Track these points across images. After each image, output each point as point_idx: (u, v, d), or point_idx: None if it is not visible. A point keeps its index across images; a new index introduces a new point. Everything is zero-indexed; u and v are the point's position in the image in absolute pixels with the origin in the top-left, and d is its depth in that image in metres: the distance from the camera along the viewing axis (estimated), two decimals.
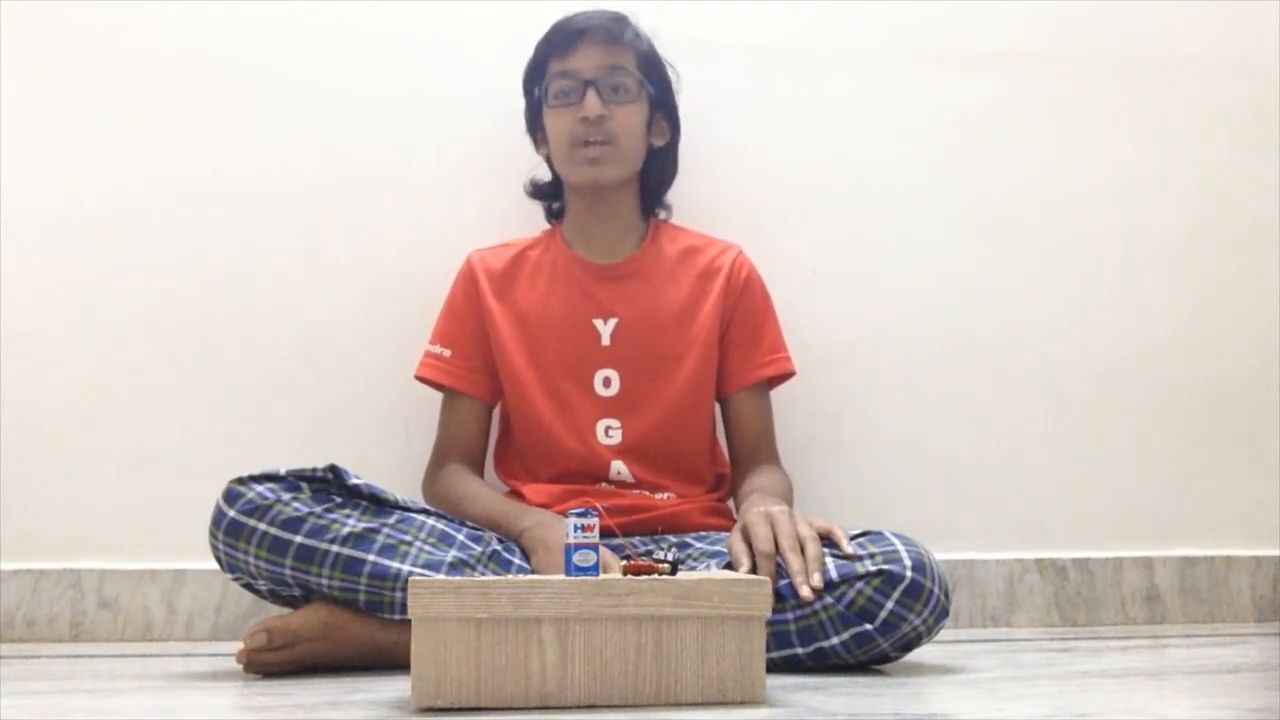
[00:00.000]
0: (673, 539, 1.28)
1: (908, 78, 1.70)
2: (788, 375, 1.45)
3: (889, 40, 1.70)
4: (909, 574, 1.09)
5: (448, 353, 1.42)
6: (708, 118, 1.58)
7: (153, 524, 1.52)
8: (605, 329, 1.40)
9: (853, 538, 1.15)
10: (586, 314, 1.41)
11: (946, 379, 1.67)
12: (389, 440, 1.54)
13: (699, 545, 1.29)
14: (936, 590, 1.10)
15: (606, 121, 1.36)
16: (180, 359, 1.57)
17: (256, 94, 1.61)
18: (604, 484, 1.37)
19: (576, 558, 0.94)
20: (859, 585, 1.10)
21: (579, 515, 0.95)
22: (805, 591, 1.07)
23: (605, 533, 0.98)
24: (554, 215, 1.50)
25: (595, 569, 0.94)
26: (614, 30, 1.39)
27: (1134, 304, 1.72)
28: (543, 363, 1.40)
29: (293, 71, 1.61)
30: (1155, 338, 1.72)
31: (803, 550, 1.11)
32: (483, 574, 1.16)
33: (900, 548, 1.11)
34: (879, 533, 1.15)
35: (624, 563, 0.96)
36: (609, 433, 1.39)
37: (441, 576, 1.12)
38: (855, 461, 1.63)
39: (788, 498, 1.33)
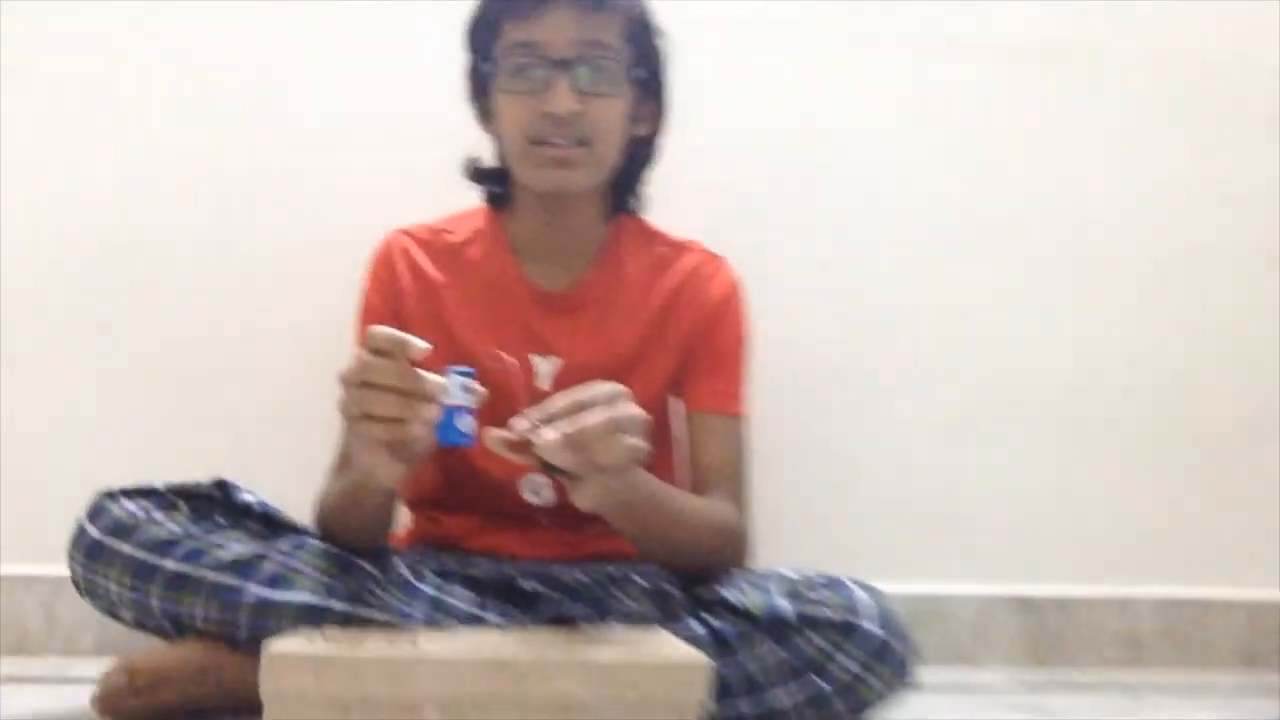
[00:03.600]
0: (610, 569, 1.15)
1: (919, 69, 1.55)
2: (731, 417, 1.19)
3: (893, 27, 1.54)
4: (876, 630, 0.96)
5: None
6: (697, 96, 1.31)
7: (34, 523, 1.36)
8: (545, 369, 1.17)
9: (809, 584, 1.01)
10: (525, 348, 1.17)
11: (922, 397, 1.54)
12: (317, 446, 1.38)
13: (641, 581, 1.13)
14: (904, 652, 0.97)
15: (580, 120, 1.09)
16: (79, 342, 1.40)
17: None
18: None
19: (458, 422, 0.85)
20: (813, 637, 0.96)
21: (462, 374, 0.86)
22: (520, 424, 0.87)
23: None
24: (495, 201, 1.25)
25: (473, 436, 0.86)
26: None
27: (1134, 326, 1.58)
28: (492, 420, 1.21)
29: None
30: (1155, 363, 1.58)
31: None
32: (383, 609, 1.01)
33: (864, 599, 0.98)
34: (839, 581, 1.01)
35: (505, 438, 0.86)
36: (538, 492, 1.17)
37: (338, 605, 0.98)
38: (812, 481, 1.50)
39: (713, 533, 1.07)
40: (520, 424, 0.86)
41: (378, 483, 0.91)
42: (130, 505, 0.99)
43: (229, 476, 1.05)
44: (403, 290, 1.20)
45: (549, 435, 0.83)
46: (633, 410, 0.87)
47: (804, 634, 0.96)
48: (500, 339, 1.18)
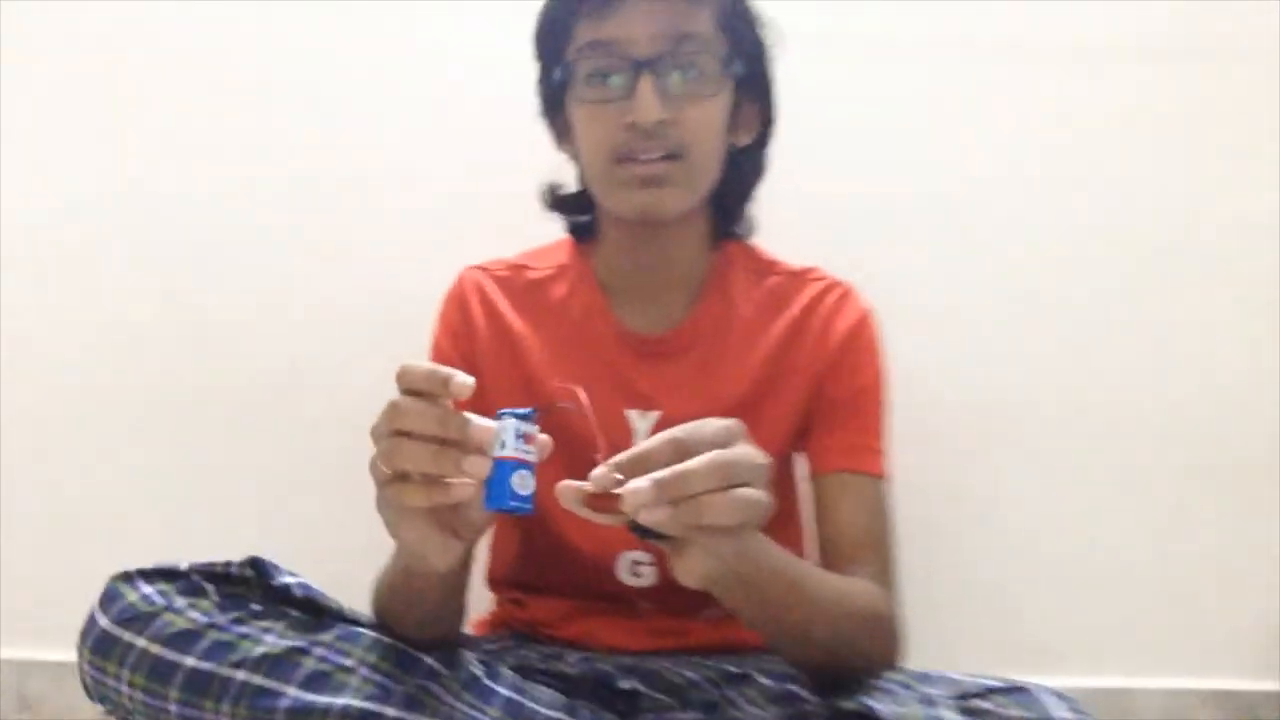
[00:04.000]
0: (728, 666, 0.93)
1: (1029, 77, 1.35)
2: (871, 477, 0.98)
3: (1002, 34, 1.36)
4: None
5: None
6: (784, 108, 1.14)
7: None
8: (643, 425, 1.00)
9: (985, 692, 0.78)
10: (619, 402, 1.00)
11: (1085, 446, 1.31)
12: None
13: (765, 681, 0.91)
14: None
15: (670, 129, 0.93)
16: (124, 408, 1.28)
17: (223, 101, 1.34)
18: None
19: (515, 481, 0.65)
20: None
21: (520, 419, 0.66)
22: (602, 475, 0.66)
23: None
24: (580, 232, 1.09)
25: (530, 501, 0.66)
26: None
27: None
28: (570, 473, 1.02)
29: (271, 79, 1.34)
30: None
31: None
32: (448, 716, 0.82)
33: (1062, 714, 0.74)
34: (1023, 689, 0.78)
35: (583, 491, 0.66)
36: (636, 570, 0.99)
37: (393, 712, 0.79)
38: (965, 554, 1.27)
39: (855, 620, 0.84)
40: (602, 473, 0.66)
41: (429, 566, 0.72)
42: (148, 589, 0.83)
43: (266, 554, 0.88)
44: (477, 334, 1.04)
45: (640, 486, 0.63)
46: (751, 453, 0.66)
47: None
48: (589, 389, 0.99)
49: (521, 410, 0.66)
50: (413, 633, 0.85)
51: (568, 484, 0.66)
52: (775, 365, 1.01)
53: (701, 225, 1.03)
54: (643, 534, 0.67)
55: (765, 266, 1.06)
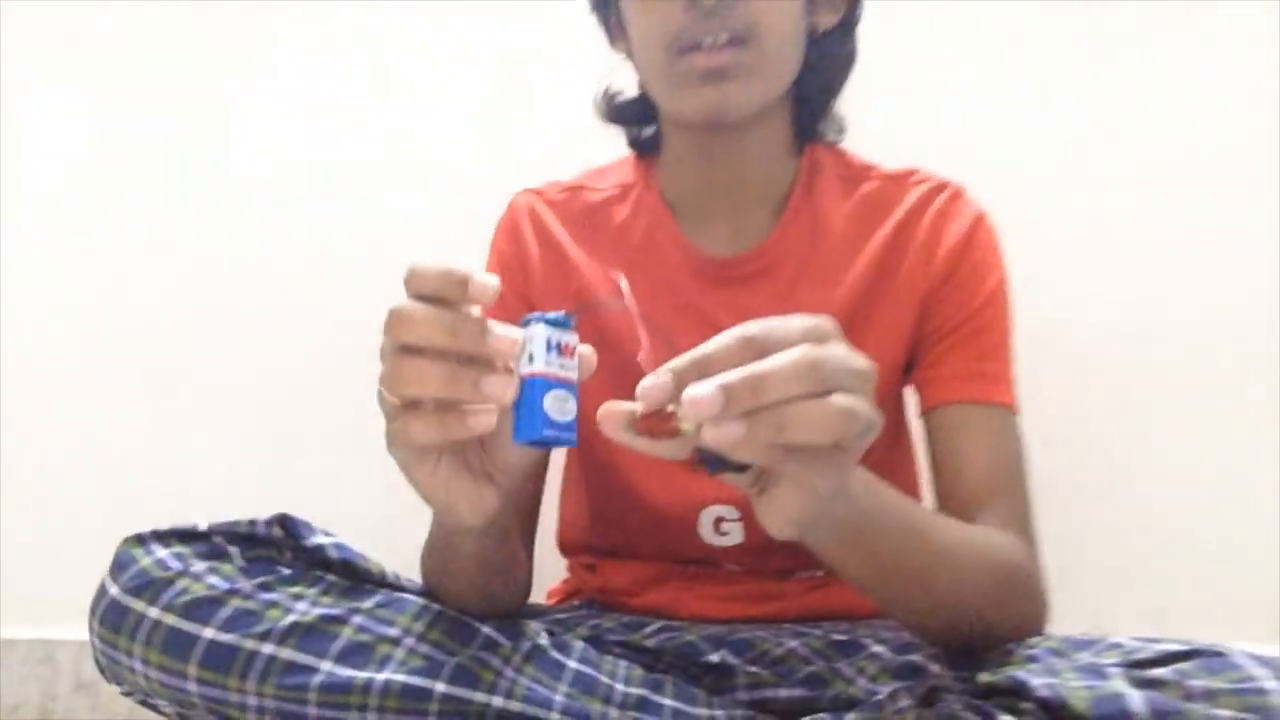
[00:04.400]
0: (836, 634, 0.80)
1: None
2: (999, 408, 0.82)
3: None
4: None
5: None
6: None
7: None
8: None
9: (1163, 659, 0.62)
10: (692, 335, 0.84)
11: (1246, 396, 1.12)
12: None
13: (878, 649, 0.77)
14: None
15: (736, 5, 0.79)
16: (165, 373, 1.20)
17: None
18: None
19: (549, 404, 0.52)
20: None
21: (552, 325, 0.53)
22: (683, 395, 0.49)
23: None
24: (644, 147, 0.95)
25: (572, 429, 0.53)
26: None
27: None
28: (621, 394, 0.87)
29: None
30: None
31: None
32: (508, 692, 0.70)
33: (1274, 683, 0.59)
34: (1216, 653, 0.61)
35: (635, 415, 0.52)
36: (720, 527, 0.86)
37: (442, 687, 0.68)
38: (1118, 518, 1.11)
39: (991, 575, 0.69)
40: (654, 384, 0.50)
41: (459, 519, 0.59)
42: (162, 553, 0.72)
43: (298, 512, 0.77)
44: (531, 265, 0.91)
45: (702, 392, 0.47)
46: (849, 353, 0.50)
47: None
48: (658, 319, 0.86)
49: (554, 314, 0.53)
50: (464, 600, 0.74)
51: (611, 406, 0.52)
52: (875, 283, 0.86)
53: (780, 128, 0.89)
54: (713, 466, 0.52)
55: (859, 172, 0.90)
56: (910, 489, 0.90)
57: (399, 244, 1.24)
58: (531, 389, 0.52)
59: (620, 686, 0.73)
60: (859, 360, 0.50)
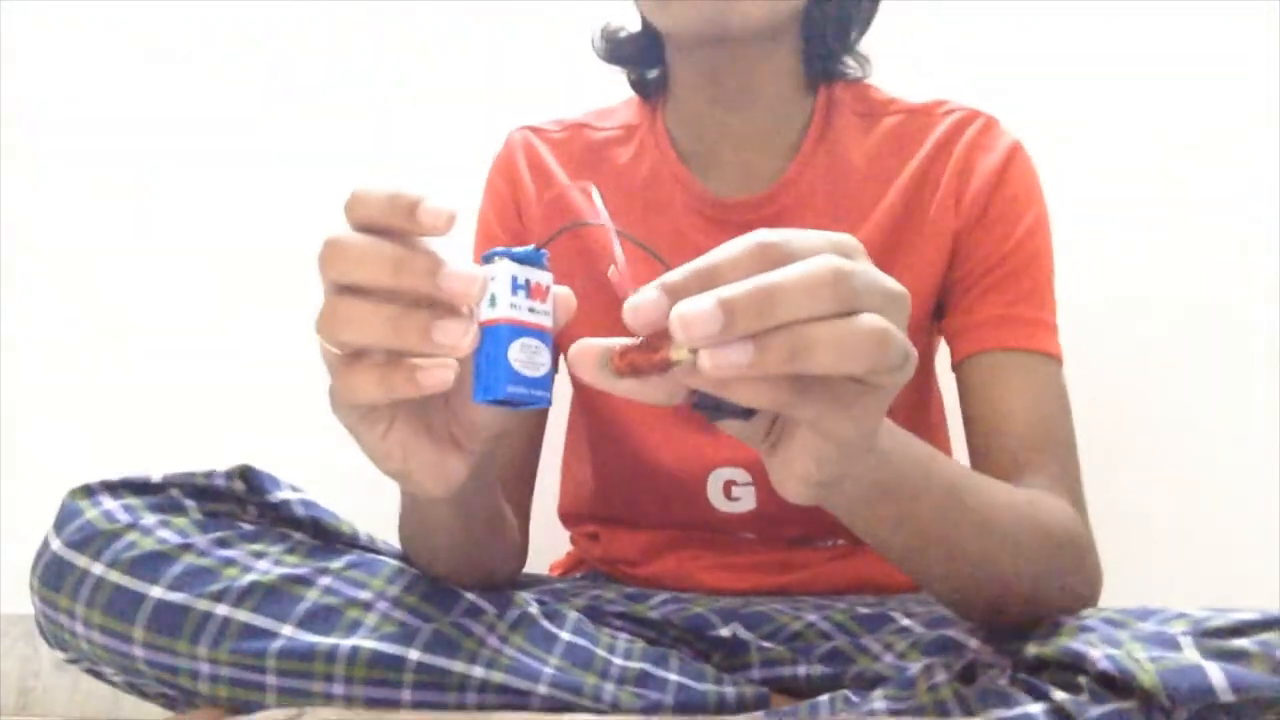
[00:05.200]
0: (861, 607, 0.71)
1: None
2: (1042, 356, 0.74)
3: None
4: None
5: None
6: None
7: None
8: None
9: (1240, 628, 0.54)
10: None
11: None
12: None
13: (908, 623, 0.68)
14: None
15: None
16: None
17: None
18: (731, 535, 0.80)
19: (514, 355, 0.43)
20: None
21: (518, 261, 0.43)
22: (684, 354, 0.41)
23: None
24: (648, 89, 0.87)
25: (545, 386, 0.44)
26: None
27: None
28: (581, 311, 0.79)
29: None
30: None
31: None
32: (491, 662, 0.62)
33: None
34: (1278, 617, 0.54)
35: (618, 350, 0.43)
36: (731, 492, 0.79)
37: (416, 654, 0.60)
38: (1169, 489, 1.02)
39: (1038, 540, 0.61)
40: (643, 301, 0.40)
41: (421, 491, 0.50)
42: (110, 504, 0.65)
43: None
44: (527, 206, 0.84)
45: (696, 308, 0.38)
46: (881, 274, 0.41)
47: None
48: (662, 272, 0.79)
49: (521, 249, 0.44)
50: (446, 574, 0.66)
51: (584, 344, 0.43)
52: (902, 223, 0.78)
53: (791, 62, 0.81)
54: (713, 412, 0.43)
55: (880, 107, 0.82)
56: (941, 446, 0.82)
57: None
58: (494, 338, 0.43)
59: (619, 660, 0.65)
60: (892, 282, 0.41)
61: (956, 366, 0.76)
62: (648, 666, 0.65)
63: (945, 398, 0.85)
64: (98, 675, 0.67)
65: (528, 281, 0.43)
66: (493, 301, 0.43)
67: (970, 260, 0.76)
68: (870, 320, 0.39)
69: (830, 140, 0.81)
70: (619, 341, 0.43)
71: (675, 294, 0.40)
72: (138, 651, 0.62)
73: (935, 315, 0.79)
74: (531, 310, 0.43)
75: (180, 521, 0.64)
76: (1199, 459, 1.06)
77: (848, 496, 0.51)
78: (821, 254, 0.40)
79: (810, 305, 0.39)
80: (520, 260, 0.43)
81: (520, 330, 0.43)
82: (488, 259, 0.44)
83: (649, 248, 0.47)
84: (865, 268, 0.41)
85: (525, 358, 0.43)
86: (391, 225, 0.42)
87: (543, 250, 0.44)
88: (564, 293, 0.46)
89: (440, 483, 0.49)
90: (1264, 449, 1.04)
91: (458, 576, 0.66)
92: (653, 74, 0.86)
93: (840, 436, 0.43)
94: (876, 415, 0.44)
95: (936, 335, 0.82)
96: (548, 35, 1.16)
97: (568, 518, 0.90)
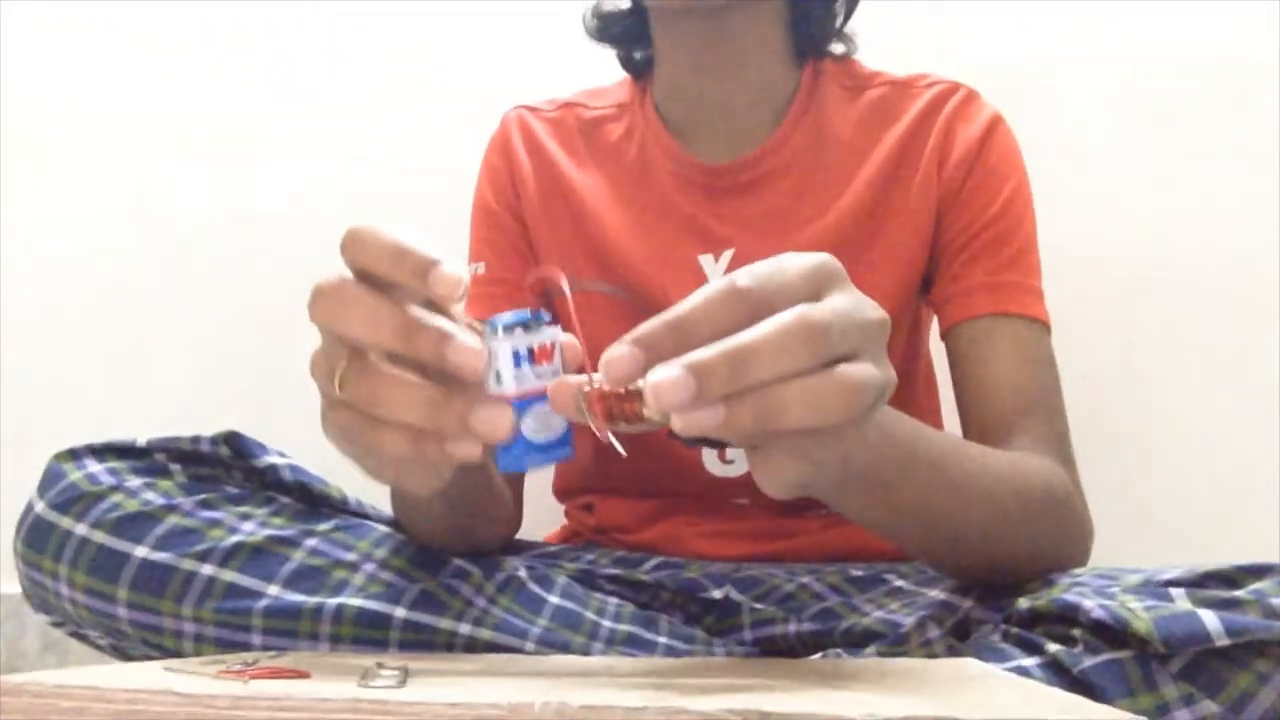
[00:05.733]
0: (855, 570, 0.71)
1: None
2: (1029, 321, 0.74)
3: None
4: None
5: (481, 268, 0.85)
6: None
7: None
8: (716, 270, 0.79)
9: (1237, 574, 0.53)
10: (691, 248, 0.79)
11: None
12: None
13: (901, 583, 0.68)
14: None
15: None
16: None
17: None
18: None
19: (529, 427, 0.42)
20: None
21: (523, 324, 0.42)
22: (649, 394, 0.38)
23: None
24: (637, 68, 0.87)
25: (565, 443, 0.44)
26: None
27: None
28: (602, 311, 0.80)
29: None
30: None
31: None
32: (479, 621, 0.61)
33: None
34: (1271, 564, 0.53)
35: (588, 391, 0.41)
36: (725, 454, 0.77)
37: (403, 612, 0.60)
38: (1163, 453, 1.01)
39: (1027, 505, 0.61)
40: (618, 357, 0.39)
41: (410, 492, 0.50)
42: (95, 467, 0.65)
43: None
44: (524, 183, 0.85)
45: (667, 377, 0.38)
46: (853, 306, 0.41)
47: (1253, 669, 0.49)
48: (653, 233, 0.80)
49: (518, 315, 0.42)
50: (439, 543, 0.66)
51: (562, 384, 0.41)
52: (885, 191, 0.78)
53: (777, 30, 0.81)
54: (689, 440, 0.42)
55: (864, 80, 0.83)
56: (928, 417, 0.82)
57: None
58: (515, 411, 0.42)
59: (608, 623, 0.64)
60: (867, 311, 0.41)
61: (945, 335, 0.77)
62: (637, 629, 0.64)
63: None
64: (82, 639, 0.67)
65: (530, 350, 0.42)
66: (498, 379, 0.42)
67: (953, 229, 0.77)
68: (844, 375, 0.39)
69: (815, 111, 0.81)
70: (585, 382, 0.41)
71: (647, 347, 0.39)
72: (121, 612, 0.61)
73: (923, 288, 0.79)
74: (538, 376, 0.42)
75: (165, 484, 0.64)
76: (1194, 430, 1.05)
77: (831, 485, 0.50)
78: (797, 303, 0.39)
79: (783, 365, 0.38)
80: (521, 331, 0.42)
81: (529, 402, 0.42)
82: (490, 327, 0.42)
83: (627, 294, 0.46)
84: (841, 303, 0.41)
85: (539, 425, 0.42)
86: (396, 281, 0.41)
87: (540, 312, 0.43)
88: (567, 341, 0.44)
89: (427, 486, 0.48)
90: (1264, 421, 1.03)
91: (452, 545, 0.66)
92: (641, 53, 0.86)
93: (817, 459, 0.43)
94: (853, 441, 0.43)
95: (926, 308, 0.81)
96: (540, 19, 1.16)
97: (563, 493, 0.89)
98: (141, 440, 0.66)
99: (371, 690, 0.35)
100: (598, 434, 0.41)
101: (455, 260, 0.41)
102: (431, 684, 0.38)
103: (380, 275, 0.41)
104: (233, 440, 0.67)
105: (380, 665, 0.42)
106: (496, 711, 0.31)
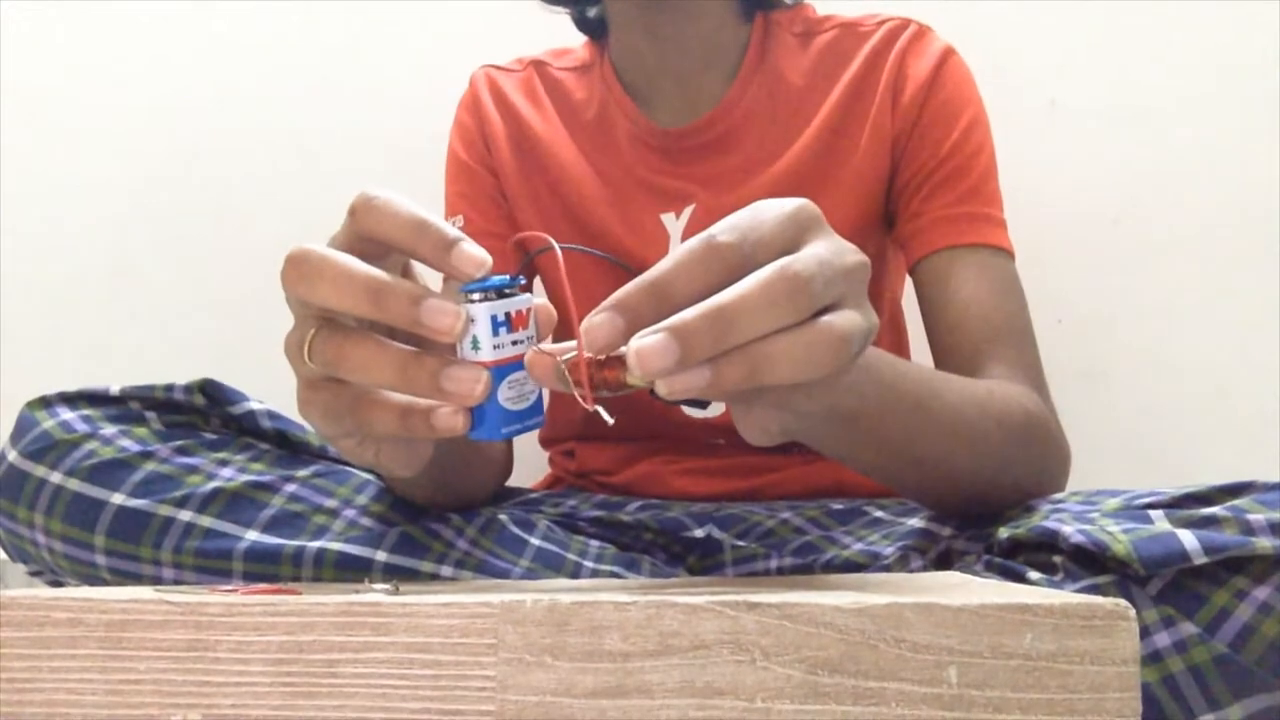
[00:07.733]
0: (835, 505, 0.71)
1: None
2: (994, 250, 0.75)
3: None
4: None
5: (460, 221, 0.85)
6: None
7: None
8: (677, 228, 0.80)
9: (1215, 494, 0.54)
10: (652, 208, 0.80)
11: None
12: None
13: (880, 514, 0.69)
14: None
15: None
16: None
17: None
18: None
19: (504, 394, 0.41)
20: (1254, 591, 0.49)
21: (495, 299, 0.41)
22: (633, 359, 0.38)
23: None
24: (592, 28, 0.86)
25: (539, 410, 0.43)
26: None
27: None
28: (587, 271, 0.79)
29: None
30: None
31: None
32: (461, 563, 0.61)
33: None
34: (1275, 485, 0.53)
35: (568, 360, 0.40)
36: (700, 402, 0.76)
37: (384, 555, 0.60)
38: (1133, 394, 1.03)
39: (1006, 431, 0.60)
40: (597, 323, 0.38)
41: (389, 473, 0.50)
42: (68, 415, 0.64)
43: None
44: (495, 139, 0.85)
45: (649, 344, 0.37)
46: (834, 251, 0.40)
47: (1230, 586, 0.50)
48: (616, 200, 0.80)
49: (496, 280, 0.41)
50: (427, 503, 0.65)
51: (539, 355, 0.41)
52: (839, 131, 0.78)
53: None
54: (668, 400, 0.41)
55: (815, 25, 0.82)
56: (896, 350, 0.82)
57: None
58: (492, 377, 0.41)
59: (589, 564, 0.65)
60: (848, 256, 0.41)
61: (911, 270, 0.77)
62: (619, 569, 0.65)
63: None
64: (61, 587, 0.66)
65: (507, 315, 0.41)
66: (475, 344, 0.41)
67: (911, 165, 0.77)
68: (829, 326, 0.39)
69: (769, 63, 0.81)
70: (563, 350, 0.41)
71: (626, 312, 0.38)
72: (99, 559, 0.61)
73: (887, 227, 0.79)
74: (514, 343, 0.41)
75: (140, 431, 0.63)
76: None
77: (815, 430, 0.50)
78: (776, 254, 0.39)
79: (767, 321, 0.38)
80: (497, 296, 0.41)
81: (506, 369, 0.41)
82: (464, 291, 0.41)
83: (615, 259, 0.47)
84: (821, 251, 0.40)
85: (514, 394, 0.42)
86: (415, 254, 0.41)
87: (518, 277, 0.42)
88: (541, 305, 0.43)
89: (408, 468, 0.47)
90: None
91: (441, 501, 0.65)
92: (594, 12, 0.85)
93: (801, 409, 0.43)
94: (839, 389, 0.44)
95: (891, 246, 0.81)
96: None
97: (547, 441, 0.89)
98: (115, 389, 0.65)
99: (364, 596, 0.34)
100: (582, 403, 0.40)
101: (474, 244, 0.40)
102: (423, 593, 0.38)
103: (396, 245, 0.41)
104: (208, 388, 0.66)
105: (371, 581, 0.42)
106: (489, 609, 0.31)
